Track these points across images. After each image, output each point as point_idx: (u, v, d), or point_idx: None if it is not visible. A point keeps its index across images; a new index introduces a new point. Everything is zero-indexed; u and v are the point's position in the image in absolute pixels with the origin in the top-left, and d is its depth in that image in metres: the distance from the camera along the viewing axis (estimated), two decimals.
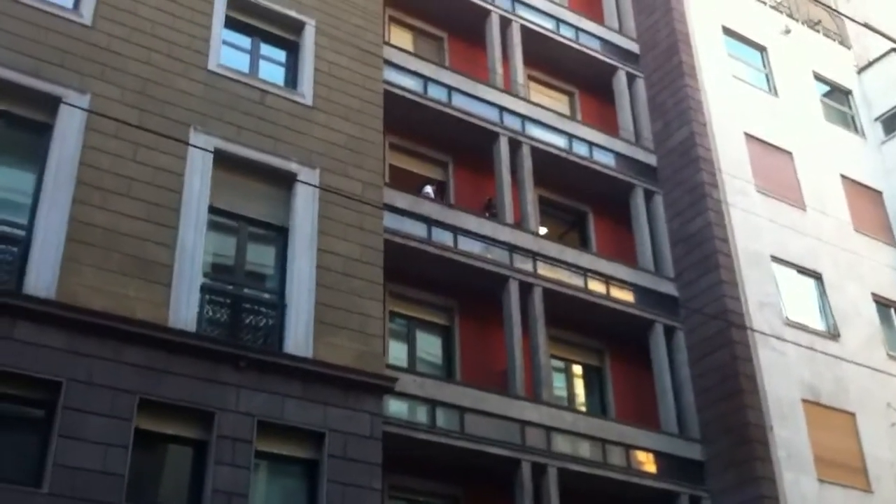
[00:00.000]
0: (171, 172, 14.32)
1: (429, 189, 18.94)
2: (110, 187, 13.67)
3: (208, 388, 13.07)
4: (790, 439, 18.15)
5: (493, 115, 20.08)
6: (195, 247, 14.02)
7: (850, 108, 25.77)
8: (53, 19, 14.37)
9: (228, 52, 16.32)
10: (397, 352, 17.39)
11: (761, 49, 24.63)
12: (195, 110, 15.09)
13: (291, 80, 16.88)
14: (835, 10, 23.24)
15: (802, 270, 21.04)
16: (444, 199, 19.27)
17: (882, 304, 21.91)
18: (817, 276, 21.16)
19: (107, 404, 12.20)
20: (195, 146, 14.41)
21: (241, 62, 16.46)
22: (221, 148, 14.97)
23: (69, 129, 13.73)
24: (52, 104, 13.81)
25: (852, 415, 19.45)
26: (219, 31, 16.17)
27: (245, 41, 16.86)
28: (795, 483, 17.69)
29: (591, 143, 21.30)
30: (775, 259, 20.62)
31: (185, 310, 13.49)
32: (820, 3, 22.22)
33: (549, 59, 22.58)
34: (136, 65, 14.87)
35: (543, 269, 18.74)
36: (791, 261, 20.89)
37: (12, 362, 11.87)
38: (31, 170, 13.56)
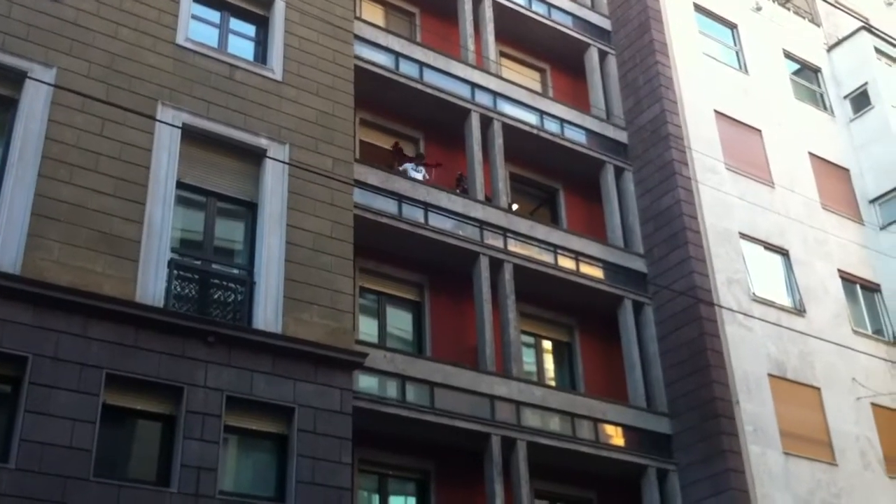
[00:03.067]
0: (139, 147, 14.24)
1: (409, 167, 18.82)
2: (77, 162, 13.58)
3: (177, 364, 13.06)
4: (756, 413, 18.38)
5: (464, 91, 20.07)
6: (163, 222, 13.98)
7: (819, 86, 25.93)
8: None
9: (197, 27, 16.21)
10: (368, 327, 17.43)
11: (732, 26, 24.71)
12: (163, 85, 14.99)
13: (261, 55, 16.79)
14: None
15: (770, 247, 21.23)
16: (432, 173, 19.25)
17: (848, 280, 22.15)
18: (784, 253, 21.35)
19: (74, 380, 12.18)
20: (162, 122, 14.31)
21: (210, 37, 16.35)
22: (190, 123, 14.90)
23: (35, 103, 13.62)
24: (17, 78, 13.70)
25: (818, 389, 19.70)
26: (188, 6, 16.07)
27: (214, 16, 16.74)
28: (762, 456, 17.93)
29: (562, 120, 21.35)
30: (743, 236, 20.79)
31: (153, 285, 13.46)
32: None
33: (521, 36, 22.58)
34: (103, 39, 14.74)
35: (514, 246, 18.81)
36: (759, 237, 21.07)
37: None
38: None
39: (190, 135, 14.80)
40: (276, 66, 16.44)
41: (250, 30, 17.06)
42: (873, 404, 20.21)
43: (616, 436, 18.09)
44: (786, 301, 20.70)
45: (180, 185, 14.56)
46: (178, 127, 14.50)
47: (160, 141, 14.48)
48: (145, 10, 15.41)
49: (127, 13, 15.19)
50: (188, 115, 14.97)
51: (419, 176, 18.71)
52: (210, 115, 15.20)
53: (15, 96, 13.66)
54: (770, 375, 19.09)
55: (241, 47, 16.70)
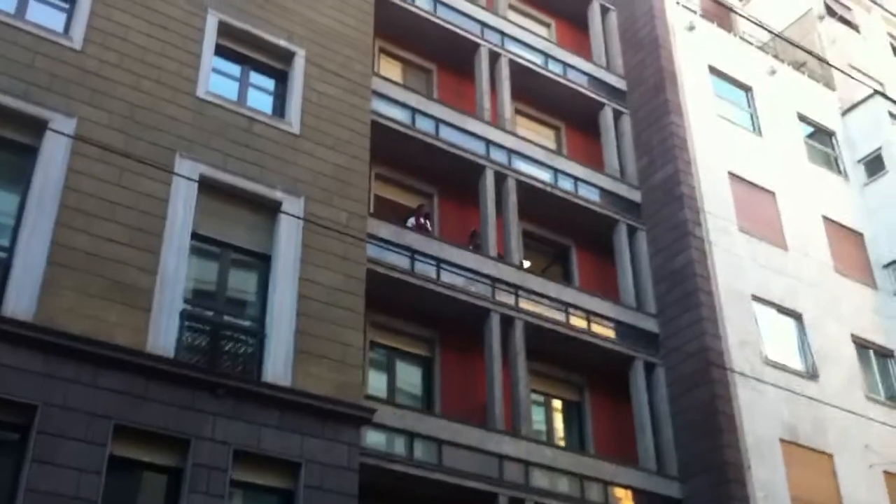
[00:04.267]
0: (156, 198, 14.33)
1: (412, 221, 18.94)
2: (94, 211, 13.66)
3: (185, 416, 13.01)
4: (768, 479, 18.17)
5: (479, 148, 20.20)
6: (177, 273, 14.01)
7: (833, 149, 26.01)
8: (43, 43, 14.42)
9: (218, 80, 16.39)
10: (377, 382, 17.37)
11: (747, 89, 24.88)
12: (182, 136, 15.13)
13: (279, 108, 16.96)
14: (818, 56, 23.45)
15: (783, 310, 21.15)
16: (431, 226, 19.29)
17: (861, 345, 22.03)
18: (797, 316, 21.27)
19: (82, 429, 12.12)
20: (179, 175, 14.40)
21: (229, 90, 16.53)
22: (207, 174, 15.00)
23: (55, 152, 13.74)
24: (38, 127, 13.82)
25: (830, 456, 19.50)
26: (209, 59, 16.24)
27: (235, 69, 16.95)
28: None
29: (576, 178, 21.44)
30: (756, 298, 20.73)
31: (164, 335, 13.46)
32: (804, 48, 22.42)
33: (536, 94, 22.76)
34: (124, 90, 14.91)
35: (525, 303, 18.78)
36: (772, 300, 21.00)
37: None
38: (15, 191, 13.54)
39: (206, 186, 14.90)
40: (293, 119, 16.60)
41: (270, 83, 17.25)
42: (886, 472, 19.98)
43: (626, 498, 17.88)
44: (798, 365, 20.58)
45: (195, 235, 14.62)
46: (194, 180, 14.58)
47: (177, 192, 14.57)
48: (167, 63, 15.60)
49: (149, 65, 15.37)
50: (205, 166, 15.08)
51: (410, 223, 18.74)
52: (227, 167, 15.32)
53: (35, 145, 13.78)
54: (782, 440, 18.92)
55: (260, 100, 16.87)
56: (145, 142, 14.68)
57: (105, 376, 12.64)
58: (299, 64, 17.27)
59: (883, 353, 22.44)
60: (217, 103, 15.84)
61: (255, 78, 17.13)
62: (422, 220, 19.04)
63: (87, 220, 13.56)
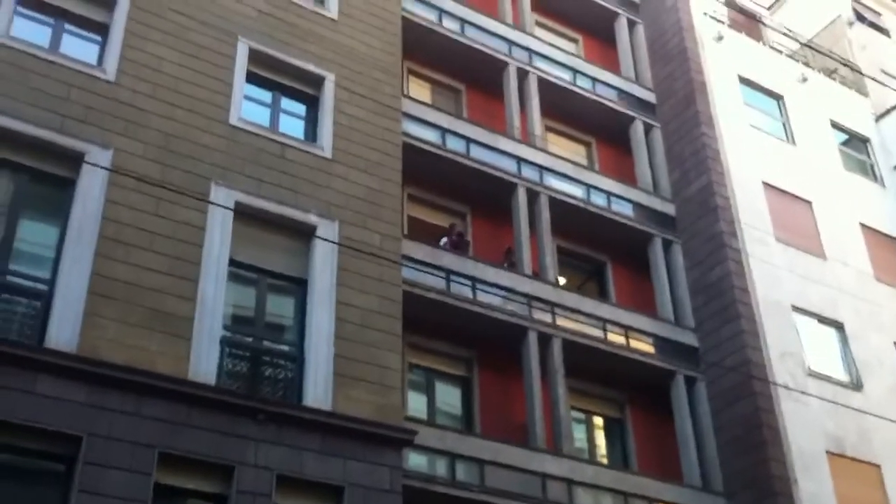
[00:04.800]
0: (193, 226, 14.42)
1: (444, 240, 18.93)
2: (132, 241, 13.77)
3: (228, 442, 13.02)
4: (815, 492, 17.91)
5: (510, 166, 20.17)
6: (215, 300, 14.07)
7: (868, 156, 25.75)
8: (77, 76, 14.59)
9: (249, 107, 16.50)
10: (416, 403, 17.32)
11: (778, 98, 24.71)
12: (217, 164, 15.22)
13: (311, 133, 17.04)
14: (847, 62, 23.28)
15: (823, 320, 20.90)
16: (464, 246, 19.25)
17: None
18: (839, 326, 21.01)
19: (127, 459, 12.17)
20: (215, 203, 14.48)
21: (262, 116, 16.64)
22: (242, 201, 15.08)
23: (92, 183, 13.86)
24: (75, 160, 13.96)
25: (878, 466, 19.19)
26: (240, 86, 16.35)
27: (266, 95, 17.06)
28: None
29: (608, 193, 21.35)
30: (796, 309, 20.49)
31: (205, 363, 13.50)
32: (833, 56, 22.26)
33: (566, 110, 22.72)
34: (158, 120, 15.05)
35: (562, 320, 18.68)
36: (812, 310, 20.76)
37: (33, 417, 11.88)
38: (55, 224, 13.69)
39: (242, 213, 14.98)
40: (325, 143, 16.66)
41: (301, 109, 17.34)
42: None
43: None
44: (842, 376, 20.31)
45: (232, 262, 14.68)
46: (229, 208, 14.66)
47: (213, 219, 14.65)
48: (199, 91, 15.71)
49: (181, 94, 15.50)
50: (240, 193, 15.16)
51: (442, 242, 18.71)
52: (262, 193, 15.39)
53: (73, 177, 13.92)
54: (828, 452, 18.65)
55: (292, 126, 16.96)
56: (180, 170, 14.78)
57: (148, 405, 12.69)
58: (329, 88, 17.35)
59: None
60: (250, 130, 15.94)
61: (287, 103, 17.23)
62: (454, 238, 19.01)
63: (126, 250, 13.66)
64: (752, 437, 18.14)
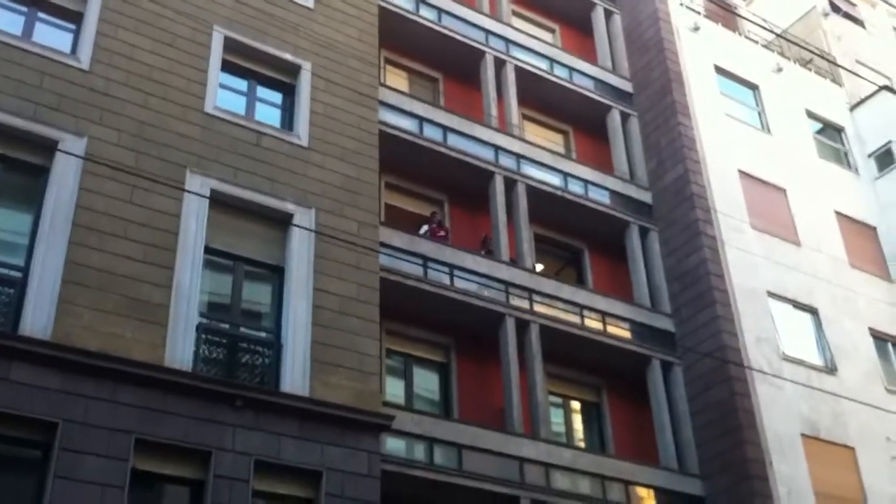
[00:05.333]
0: (168, 214, 14.41)
1: (425, 228, 19.00)
2: (107, 229, 13.75)
3: (205, 428, 13.04)
4: (790, 475, 18.09)
5: (488, 154, 20.25)
6: (191, 287, 14.08)
7: (843, 144, 25.97)
8: (51, 64, 14.55)
9: (225, 95, 16.48)
10: (394, 389, 17.40)
11: (754, 87, 24.89)
12: (192, 152, 15.21)
13: (288, 121, 17.04)
14: (822, 53, 23.47)
15: (798, 306, 21.10)
16: (448, 232, 19.30)
17: (879, 338, 21.93)
18: (813, 312, 21.21)
19: (103, 445, 12.16)
20: (190, 191, 14.48)
21: (237, 104, 16.62)
22: (218, 189, 15.08)
23: (66, 171, 13.83)
24: (49, 148, 13.93)
25: (852, 449, 19.40)
26: (215, 75, 16.33)
27: (241, 84, 17.05)
28: None
29: (586, 182, 21.46)
30: (771, 295, 20.68)
31: (181, 349, 13.50)
32: (808, 48, 22.43)
33: (543, 99, 22.82)
34: (133, 108, 15.02)
35: (540, 307, 18.78)
36: (787, 296, 20.96)
37: (8, 403, 11.85)
38: (28, 212, 13.66)
39: (218, 200, 14.98)
40: (302, 132, 16.67)
41: (277, 97, 17.34)
42: None
43: (648, 498, 17.84)
44: (816, 360, 20.51)
45: (208, 250, 14.69)
46: (205, 197, 14.66)
47: (189, 207, 14.65)
48: (174, 79, 15.70)
49: (156, 82, 15.48)
50: (216, 181, 15.16)
51: (423, 230, 18.76)
52: (238, 181, 15.40)
53: (46, 165, 13.88)
54: (803, 435, 18.84)
55: (268, 114, 16.96)
56: (155, 158, 14.76)
57: (124, 392, 12.69)
58: (305, 77, 17.36)
59: None
60: (225, 118, 15.93)
61: (263, 92, 17.23)
62: (434, 226, 19.08)
63: (101, 238, 13.64)
64: (728, 421, 18.31)
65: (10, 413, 11.86)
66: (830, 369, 20.41)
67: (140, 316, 13.38)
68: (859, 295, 22.24)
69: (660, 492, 17.92)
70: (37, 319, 12.62)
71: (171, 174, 14.59)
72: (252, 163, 15.73)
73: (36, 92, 14.19)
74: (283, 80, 17.42)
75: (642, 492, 17.78)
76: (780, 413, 18.79)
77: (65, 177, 13.82)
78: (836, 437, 19.35)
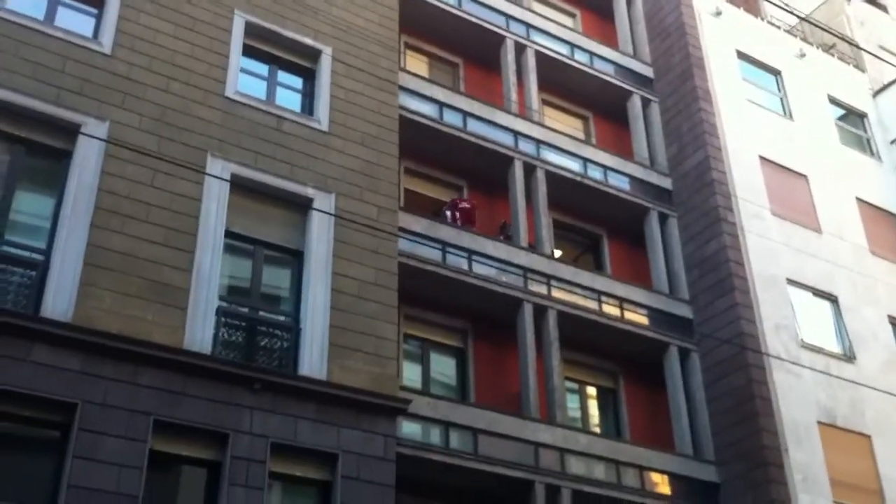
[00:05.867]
0: (189, 198, 14.56)
1: (448, 212, 19.02)
2: (128, 212, 13.91)
3: (223, 410, 13.21)
4: (806, 462, 18.09)
5: (507, 139, 20.26)
6: (211, 271, 14.23)
7: (865, 131, 25.78)
8: (73, 48, 14.70)
9: (246, 80, 16.59)
10: (411, 374, 17.52)
11: (776, 73, 24.73)
12: (213, 136, 15.34)
13: (308, 106, 17.13)
14: (845, 38, 23.28)
15: (818, 293, 21.02)
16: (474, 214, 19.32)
17: None
18: (833, 299, 21.13)
19: (122, 426, 12.36)
20: (211, 175, 14.62)
21: (258, 89, 16.72)
22: (238, 174, 15.21)
23: (88, 155, 14.00)
24: (71, 131, 14.10)
25: (868, 437, 19.36)
26: (237, 59, 16.44)
27: (262, 69, 17.14)
28: None
29: (605, 167, 21.44)
30: (791, 282, 20.62)
31: (200, 332, 13.67)
32: (832, 31, 22.24)
33: (563, 85, 22.78)
34: (154, 92, 15.16)
35: (558, 292, 18.84)
36: (807, 283, 20.88)
37: (28, 384, 12.06)
38: (51, 195, 13.84)
39: (238, 185, 15.10)
40: (322, 117, 16.76)
41: (297, 82, 17.42)
42: None
43: (662, 484, 17.89)
44: (835, 348, 20.45)
45: (228, 233, 14.83)
46: (226, 180, 14.79)
47: (209, 191, 14.79)
48: (196, 64, 15.82)
49: (178, 67, 15.60)
50: (237, 165, 15.29)
51: (448, 215, 18.80)
52: (258, 165, 15.52)
53: (69, 148, 14.05)
54: (819, 423, 18.81)
55: (289, 99, 17.04)
56: (177, 143, 14.90)
57: (144, 374, 12.87)
58: (326, 62, 17.43)
59: None
60: (246, 103, 16.04)
61: (283, 77, 17.31)
62: (457, 213, 19.10)
63: (122, 221, 13.81)
64: (745, 408, 18.31)
65: (30, 394, 12.05)
66: (849, 357, 20.36)
67: (160, 299, 13.55)
68: (879, 282, 22.13)
69: (675, 478, 17.97)
70: (58, 302, 12.81)
71: (192, 158, 14.72)
72: (272, 147, 15.84)
73: (58, 76, 14.35)
74: (304, 64, 17.49)
75: (657, 477, 17.84)
76: (797, 401, 18.77)
77: (87, 160, 13.99)
78: (853, 424, 19.32)
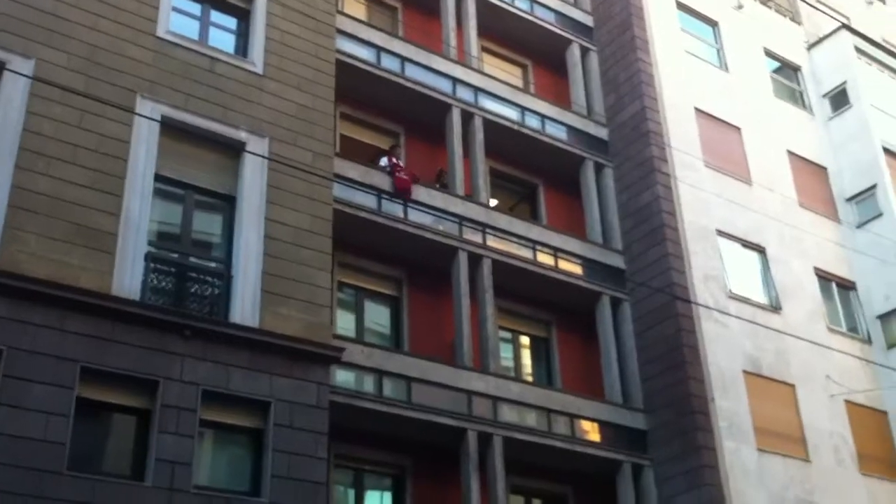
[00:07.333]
0: (118, 140, 14.21)
1: (385, 161, 18.78)
2: (55, 154, 13.54)
3: (153, 357, 13.07)
4: (731, 410, 18.53)
5: (446, 86, 20.08)
6: (140, 215, 13.96)
7: (799, 84, 26.09)
8: None
9: (178, 19, 16.15)
10: (345, 322, 17.46)
11: (713, 24, 24.81)
12: (143, 77, 14.96)
13: (242, 48, 16.76)
14: None
15: (747, 244, 21.38)
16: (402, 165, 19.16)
17: (824, 278, 22.33)
18: (761, 251, 21.51)
19: (49, 373, 12.16)
20: (141, 115, 14.27)
21: (191, 29, 16.28)
22: (169, 115, 14.87)
23: (12, 94, 13.57)
24: None
25: (792, 386, 19.88)
26: None
27: (195, 8, 16.68)
28: (736, 452, 18.08)
29: (543, 116, 21.41)
30: (721, 233, 20.92)
31: (129, 278, 13.44)
32: None
33: (503, 31, 22.60)
34: (83, 30, 14.68)
35: (493, 241, 18.87)
36: (736, 235, 21.20)
37: None
38: None
39: (169, 127, 14.77)
40: (256, 59, 16.42)
41: (231, 22, 17.01)
42: (847, 401, 20.42)
43: (592, 431, 18.20)
44: (762, 298, 20.86)
45: (158, 177, 14.54)
46: (156, 120, 14.46)
47: (139, 133, 14.45)
48: (125, 2, 15.35)
49: (107, 4, 15.12)
50: (167, 107, 14.94)
51: (383, 162, 18.58)
52: (189, 107, 15.18)
53: None
54: (745, 372, 19.25)
55: (222, 40, 16.64)
56: (106, 83, 14.50)
57: (71, 320, 12.64)
58: (261, 2, 17.04)
59: (845, 286, 22.77)
60: (178, 43, 15.65)
61: (217, 17, 16.87)
62: (394, 160, 18.91)
63: (48, 163, 13.45)
64: (673, 357, 18.66)
65: None
66: (775, 308, 20.80)
67: (88, 244, 13.27)
68: (807, 235, 22.56)
69: (604, 425, 18.29)
70: None
71: (121, 99, 14.36)
72: (205, 89, 15.50)
73: None
74: (238, 4, 17.08)
75: (587, 425, 18.14)
76: (724, 349, 19.16)
77: (11, 100, 13.56)
78: (778, 374, 19.81)
